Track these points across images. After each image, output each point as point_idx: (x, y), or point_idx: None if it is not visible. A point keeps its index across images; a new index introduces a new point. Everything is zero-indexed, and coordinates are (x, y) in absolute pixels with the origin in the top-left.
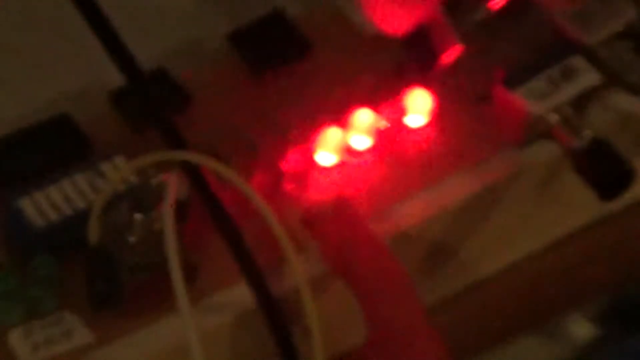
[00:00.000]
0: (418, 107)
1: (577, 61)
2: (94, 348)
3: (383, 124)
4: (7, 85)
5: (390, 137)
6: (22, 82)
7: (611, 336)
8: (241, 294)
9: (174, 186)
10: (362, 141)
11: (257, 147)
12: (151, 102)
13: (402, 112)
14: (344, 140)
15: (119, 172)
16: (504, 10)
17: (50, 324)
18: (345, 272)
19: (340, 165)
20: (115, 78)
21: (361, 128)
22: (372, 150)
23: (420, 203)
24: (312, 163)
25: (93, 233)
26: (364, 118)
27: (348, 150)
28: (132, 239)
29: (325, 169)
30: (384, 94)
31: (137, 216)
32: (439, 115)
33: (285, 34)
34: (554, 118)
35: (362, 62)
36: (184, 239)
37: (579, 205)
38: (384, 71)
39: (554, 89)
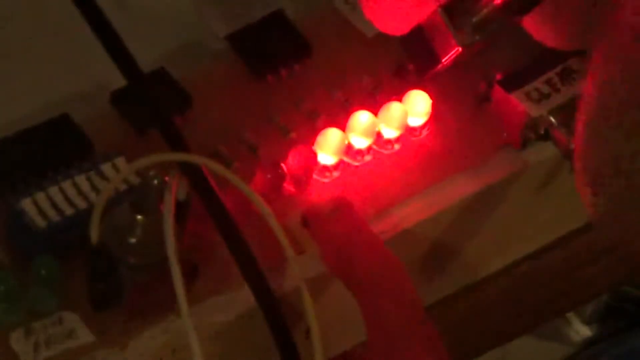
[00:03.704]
0: (418, 108)
1: (576, 64)
2: (95, 348)
3: (383, 125)
4: (10, 87)
5: (390, 138)
6: (24, 83)
7: (609, 336)
8: (241, 294)
9: (174, 187)
10: (362, 142)
11: (257, 148)
12: (152, 103)
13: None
14: (344, 141)
15: (119, 173)
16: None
17: (51, 324)
18: (345, 272)
19: (340, 165)
20: (116, 79)
21: (361, 129)
22: (372, 151)
23: (420, 203)
24: (313, 163)
25: (94, 233)
26: (364, 119)
27: (348, 151)
28: (132, 240)
29: (325, 169)
30: (384, 95)
31: (138, 217)
32: (439, 116)
33: (285, 35)
34: (552, 120)
35: (362, 63)
36: (184, 239)
37: (578, 205)
38: (384, 72)
39: (553, 91)
